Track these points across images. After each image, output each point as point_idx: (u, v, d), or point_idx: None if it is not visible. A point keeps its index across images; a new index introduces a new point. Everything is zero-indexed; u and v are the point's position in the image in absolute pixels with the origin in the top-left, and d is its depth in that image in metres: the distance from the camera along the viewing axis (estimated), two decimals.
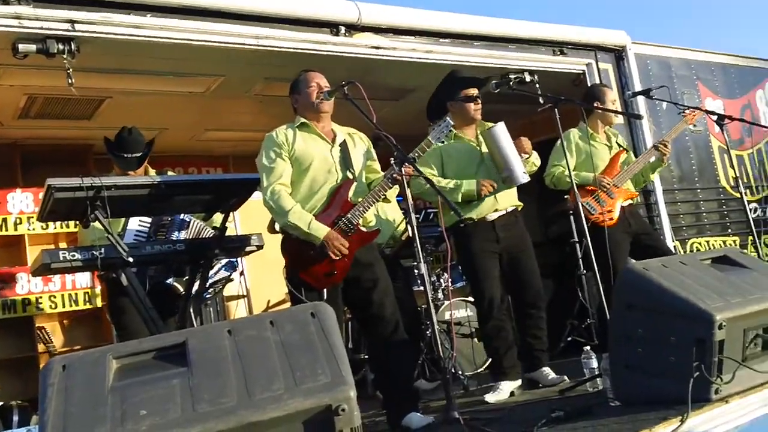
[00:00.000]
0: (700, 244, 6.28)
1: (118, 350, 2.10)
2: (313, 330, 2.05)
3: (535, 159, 4.35)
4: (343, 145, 3.69)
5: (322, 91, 3.64)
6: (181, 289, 4.21)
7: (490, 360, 4.52)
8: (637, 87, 6.03)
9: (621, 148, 4.95)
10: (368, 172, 3.80)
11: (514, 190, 4.31)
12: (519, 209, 4.33)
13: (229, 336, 2.06)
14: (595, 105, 4.79)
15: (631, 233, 4.71)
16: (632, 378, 2.91)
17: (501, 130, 4.16)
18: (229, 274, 4.80)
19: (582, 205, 4.27)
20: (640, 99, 5.89)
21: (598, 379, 3.53)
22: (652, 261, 3.10)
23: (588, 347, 3.81)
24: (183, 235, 4.20)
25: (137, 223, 4.11)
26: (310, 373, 1.92)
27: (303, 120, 3.67)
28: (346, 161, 3.65)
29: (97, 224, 3.51)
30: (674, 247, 5.92)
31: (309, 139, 3.63)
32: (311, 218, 3.45)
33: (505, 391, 4.07)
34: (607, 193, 4.66)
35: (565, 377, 4.08)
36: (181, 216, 4.21)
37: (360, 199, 3.59)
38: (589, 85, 5.74)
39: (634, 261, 3.05)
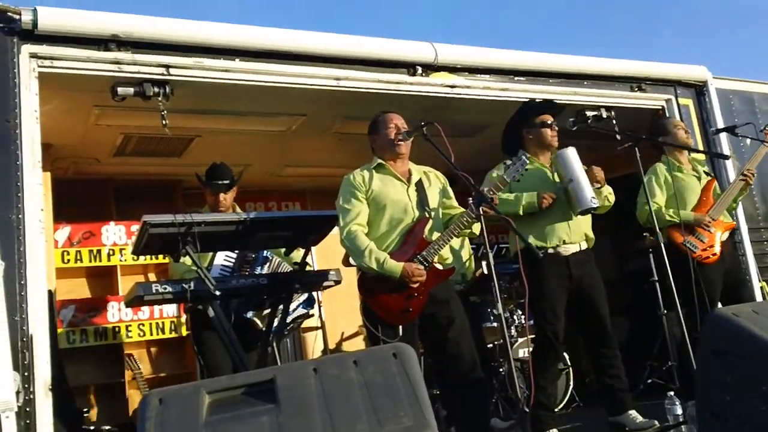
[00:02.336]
0: None
1: (211, 385, 2.21)
2: (395, 371, 2.12)
3: (609, 194, 4.28)
4: (419, 184, 3.78)
5: (401, 132, 3.75)
6: (260, 324, 4.35)
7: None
8: (720, 123, 5.92)
9: (710, 177, 4.85)
10: (445, 209, 3.86)
11: (588, 225, 4.26)
12: (591, 247, 4.28)
13: (315, 375, 2.14)
14: (675, 132, 4.73)
15: (724, 270, 4.61)
16: (720, 426, 2.84)
17: (571, 152, 4.16)
18: (306, 311, 4.93)
19: (684, 244, 4.20)
20: (723, 135, 5.77)
21: (683, 426, 3.46)
22: (742, 306, 3.03)
23: (672, 392, 3.73)
24: (265, 270, 4.36)
25: (223, 258, 4.31)
26: (393, 416, 1.98)
27: (380, 161, 3.78)
28: (422, 200, 3.73)
29: (186, 258, 3.71)
30: (761, 288, 5.71)
31: (386, 179, 3.73)
32: (386, 257, 3.53)
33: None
34: (706, 229, 4.58)
35: (655, 422, 3.92)
36: (264, 253, 4.38)
37: (435, 237, 3.66)
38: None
39: (722, 306, 2.99)
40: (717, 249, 4.55)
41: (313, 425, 1.98)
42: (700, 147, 5.77)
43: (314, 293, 5.12)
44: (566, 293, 4.11)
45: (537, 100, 4.61)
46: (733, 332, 2.78)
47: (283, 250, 4.46)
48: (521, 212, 4.07)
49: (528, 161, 3.81)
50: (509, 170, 3.75)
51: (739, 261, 5.43)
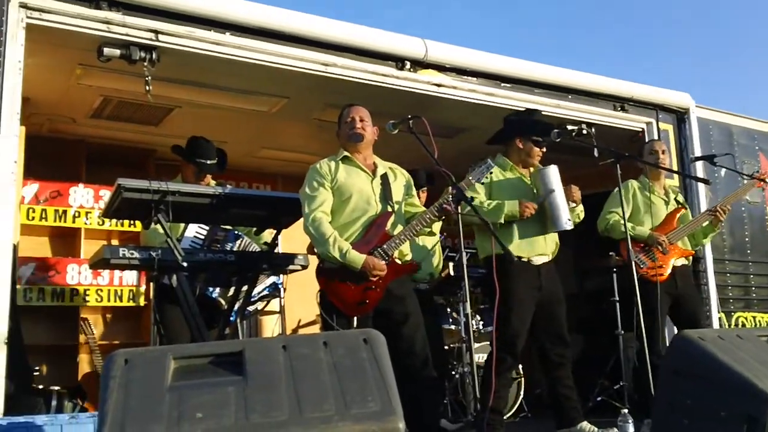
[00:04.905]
0: (746, 318, 6.15)
1: (178, 351, 2.20)
2: (365, 356, 2.13)
3: (581, 212, 4.34)
4: (384, 178, 3.81)
5: (357, 127, 3.78)
6: (224, 304, 4.33)
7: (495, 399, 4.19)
8: (698, 151, 6.01)
9: (679, 205, 4.93)
10: (408, 206, 3.90)
11: (557, 236, 4.31)
12: (555, 255, 4.31)
13: (284, 351, 2.14)
14: (656, 160, 4.80)
15: (674, 294, 4.68)
16: None
17: (553, 172, 4.20)
18: (270, 293, 4.91)
19: (631, 258, 4.27)
20: (699, 164, 5.86)
21: None
22: (707, 331, 3.08)
23: (626, 410, 3.79)
24: (235, 248, 4.33)
25: (194, 231, 4.26)
26: (360, 399, 1.98)
27: (345, 153, 3.81)
28: (386, 193, 3.76)
29: (158, 227, 3.67)
30: (719, 318, 5.82)
31: (351, 170, 3.76)
32: (348, 247, 3.55)
33: None
34: (662, 251, 4.65)
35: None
36: (235, 232, 4.36)
37: (397, 232, 3.68)
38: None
39: (687, 330, 3.02)
40: (667, 271, 4.62)
41: (280, 400, 1.97)
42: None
43: (280, 280, 5.13)
44: (534, 302, 4.13)
45: (542, 116, 4.62)
46: (698, 355, 2.80)
47: (253, 229, 4.44)
48: (503, 220, 4.09)
49: (495, 165, 3.88)
50: (474, 172, 3.79)
51: (698, 289, 5.51)
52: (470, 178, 3.79)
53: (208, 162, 4.37)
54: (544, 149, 4.34)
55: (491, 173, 3.90)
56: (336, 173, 3.72)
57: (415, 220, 3.69)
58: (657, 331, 4.37)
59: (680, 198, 5.07)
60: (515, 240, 4.11)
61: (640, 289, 4.11)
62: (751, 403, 2.61)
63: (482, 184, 3.98)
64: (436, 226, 3.87)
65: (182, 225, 4.19)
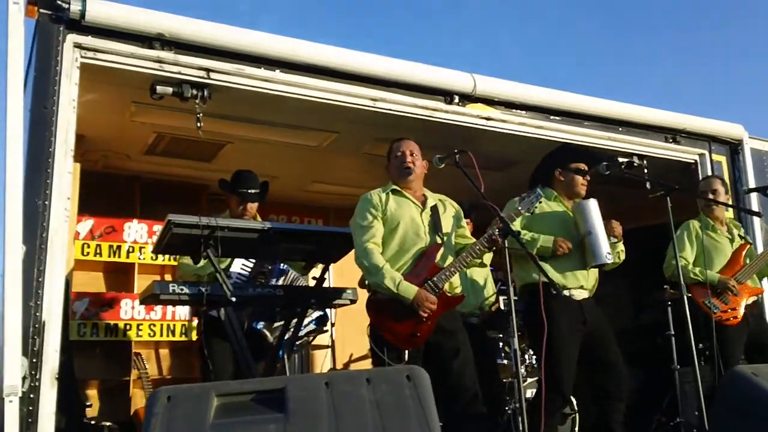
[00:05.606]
0: None
1: (221, 388, 2.19)
2: (408, 393, 2.09)
3: (621, 251, 4.22)
4: (434, 210, 3.80)
5: (408, 161, 3.78)
6: (270, 337, 4.34)
7: None
8: (752, 183, 5.86)
9: (744, 242, 4.82)
10: (458, 237, 3.87)
11: (597, 272, 4.20)
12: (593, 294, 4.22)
13: (326, 388, 2.12)
14: (711, 196, 4.70)
15: (747, 332, 4.57)
16: None
17: (592, 205, 4.13)
18: (319, 328, 4.90)
19: (704, 303, 4.15)
20: (753, 196, 5.71)
21: None
22: (762, 366, 2.99)
23: None
24: (280, 283, 4.35)
25: (240, 266, 4.30)
26: None
27: (395, 186, 3.81)
28: (435, 225, 3.74)
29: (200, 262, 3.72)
30: None
31: (401, 201, 3.76)
32: (401, 278, 3.53)
33: None
34: (731, 293, 4.55)
35: None
36: (281, 265, 4.38)
37: (447, 264, 3.65)
38: (700, 175, 5.64)
39: (742, 365, 2.93)
40: (740, 312, 4.52)
41: None
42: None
43: (328, 311, 5.12)
44: (580, 337, 4.04)
45: (577, 146, 4.58)
46: (752, 391, 2.73)
47: (302, 264, 4.46)
48: (534, 252, 4.00)
49: (542, 194, 3.85)
50: (524, 202, 3.80)
51: (765, 325, 5.33)
52: (519, 207, 3.78)
53: (250, 191, 4.43)
54: (588, 178, 4.27)
55: (540, 203, 3.84)
56: (386, 204, 3.72)
57: (465, 251, 3.65)
58: (721, 372, 4.21)
59: (742, 232, 4.94)
60: (558, 270, 4.05)
61: (709, 328, 4.05)
62: None
63: (532, 213, 3.90)
64: (487, 258, 3.83)
65: (228, 260, 4.23)
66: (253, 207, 4.47)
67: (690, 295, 4.35)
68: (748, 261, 4.69)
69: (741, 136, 6.05)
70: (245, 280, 4.30)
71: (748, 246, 4.82)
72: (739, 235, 4.85)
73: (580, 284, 4.10)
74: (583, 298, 4.10)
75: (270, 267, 4.39)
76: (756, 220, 5.70)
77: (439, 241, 3.70)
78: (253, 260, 4.36)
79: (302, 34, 4.58)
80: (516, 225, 4.03)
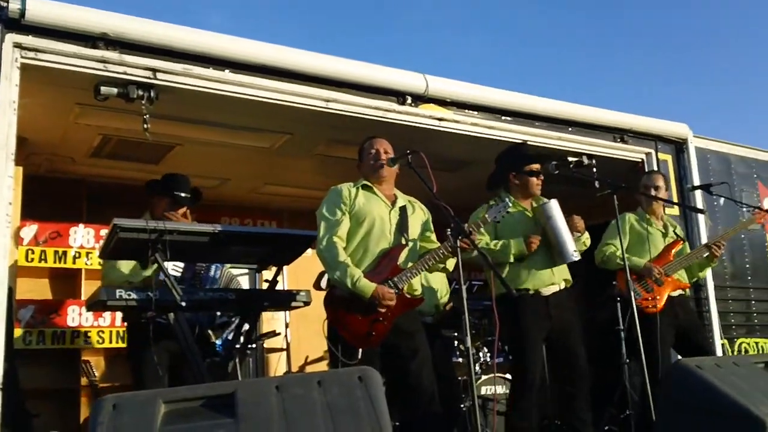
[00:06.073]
0: (748, 344, 6.14)
1: (169, 395, 2.14)
2: (360, 395, 2.07)
3: (586, 239, 4.38)
4: (403, 210, 3.79)
5: (382, 159, 3.78)
6: (213, 338, 4.27)
7: None
8: (696, 181, 6.02)
9: (678, 238, 4.94)
10: (423, 241, 3.86)
11: (567, 268, 4.31)
12: (569, 286, 4.32)
13: (277, 392, 2.08)
14: (654, 194, 4.81)
15: (676, 325, 4.68)
16: None
17: (554, 206, 4.23)
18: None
19: (630, 289, 4.26)
20: (698, 193, 5.87)
21: None
22: (705, 359, 3.05)
23: None
24: (218, 277, 4.34)
25: (170, 268, 4.18)
26: None
27: (366, 182, 3.80)
28: (402, 226, 3.73)
29: (120, 265, 3.78)
30: (722, 345, 5.80)
31: (370, 198, 3.75)
32: (360, 275, 3.51)
33: None
34: (656, 282, 4.64)
35: None
36: (215, 264, 4.33)
37: (409, 265, 3.65)
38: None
39: (685, 358, 2.99)
40: (661, 303, 4.62)
41: None
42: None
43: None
44: (544, 332, 4.14)
45: (527, 148, 4.66)
46: (695, 385, 2.79)
47: (255, 266, 4.40)
48: (512, 260, 4.14)
49: (511, 204, 3.89)
50: (491, 210, 3.86)
51: (700, 319, 5.52)
52: (487, 216, 3.82)
53: (183, 194, 4.29)
54: (542, 177, 4.35)
55: (508, 212, 3.88)
56: (355, 198, 3.71)
57: (428, 254, 3.67)
58: (657, 361, 4.34)
59: (679, 231, 5.07)
60: (523, 272, 4.15)
61: (640, 320, 4.12)
62: (747, 430, 2.61)
63: (497, 222, 3.95)
64: (450, 263, 3.85)
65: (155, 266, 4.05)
66: (181, 211, 4.31)
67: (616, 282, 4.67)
68: (677, 257, 4.81)
69: (686, 135, 6.21)
70: (178, 281, 4.19)
71: (682, 244, 4.95)
72: (675, 232, 4.97)
73: (551, 281, 4.20)
74: (552, 293, 4.20)
75: (205, 265, 4.32)
76: (701, 216, 5.85)
77: (403, 242, 3.70)
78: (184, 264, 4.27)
79: (253, 34, 4.50)
80: (486, 237, 4.14)
